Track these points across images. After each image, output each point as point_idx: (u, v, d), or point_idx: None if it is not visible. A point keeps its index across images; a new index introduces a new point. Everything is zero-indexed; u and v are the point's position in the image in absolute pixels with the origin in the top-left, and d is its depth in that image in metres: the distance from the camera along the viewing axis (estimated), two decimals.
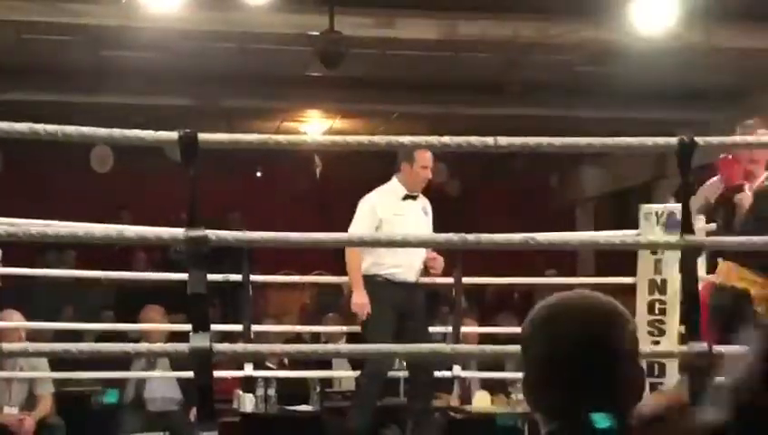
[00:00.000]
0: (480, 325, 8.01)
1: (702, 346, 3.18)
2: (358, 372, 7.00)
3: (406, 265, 5.55)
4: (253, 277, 5.82)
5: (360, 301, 5.46)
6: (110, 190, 11.06)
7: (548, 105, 9.81)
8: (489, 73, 9.23)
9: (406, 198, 5.65)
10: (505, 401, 7.04)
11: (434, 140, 3.51)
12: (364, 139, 3.38)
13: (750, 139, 3.45)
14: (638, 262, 5.56)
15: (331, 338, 7.66)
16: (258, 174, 13.28)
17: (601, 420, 1.54)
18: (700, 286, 4.13)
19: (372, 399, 5.74)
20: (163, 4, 7.18)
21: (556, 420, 1.58)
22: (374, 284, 5.53)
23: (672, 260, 5.21)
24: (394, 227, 5.49)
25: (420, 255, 5.59)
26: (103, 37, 8.01)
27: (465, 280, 6.06)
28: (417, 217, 5.63)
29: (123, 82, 8.92)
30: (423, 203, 5.74)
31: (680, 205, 3.62)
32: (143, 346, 3.49)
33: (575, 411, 1.55)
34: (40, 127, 3.27)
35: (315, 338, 8.43)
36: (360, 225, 5.53)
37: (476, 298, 10.05)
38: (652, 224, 5.53)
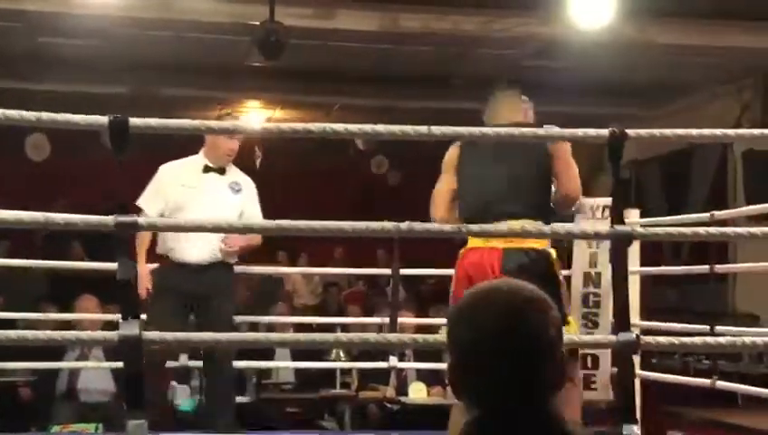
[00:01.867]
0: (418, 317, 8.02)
1: (630, 336, 3.21)
2: (297, 363, 7.01)
3: (197, 245, 5.07)
4: None
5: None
6: (47, 178, 10.92)
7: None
8: (432, 67, 9.26)
9: (207, 170, 5.23)
10: (441, 392, 7.06)
11: (368, 128, 3.50)
12: (299, 126, 3.36)
13: (680, 131, 3.49)
14: (574, 254, 5.63)
15: (276, 328, 7.58)
16: None
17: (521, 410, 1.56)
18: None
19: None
20: None
21: (478, 407, 1.58)
22: (162, 264, 5.16)
23: (607, 253, 5.29)
24: (183, 200, 5.09)
25: (216, 234, 5.04)
26: (41, 24, 7.89)
27: (404, 271, 6.00)
28: (217, 193, 5.18)
29: (61, 70, 8.81)
30: (234, 179, 5.28)
31: (611, 197, 3.65)
32: (71, 334, 3.44)
33: (496, 399, 1.56)
34: None
35: (254, 328, 8.39)
36: (145, 195, 5.13)
37: (414, 290, 10.08)
38: (587, 217, 5.59)
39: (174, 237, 5.03)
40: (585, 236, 4.27)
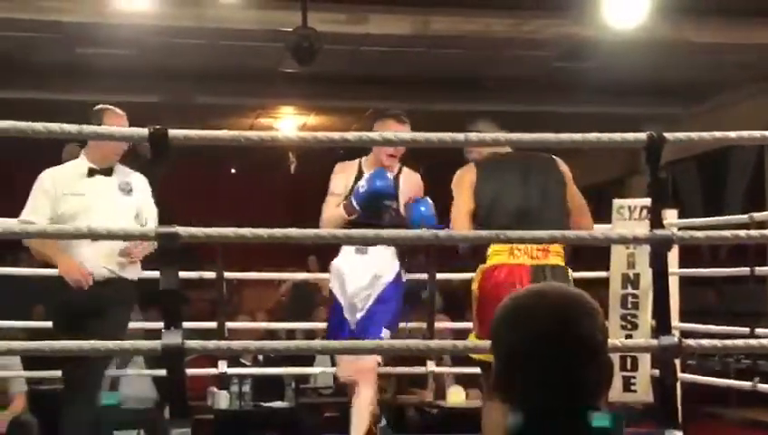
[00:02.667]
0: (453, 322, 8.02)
1: (672, 340, 3.20)
2: (334, 369, 7.02)
3: (91, 258, 4.52)
4: (227, 274, 5.80)
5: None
6: None
7: (523, 101, 9.84)
8: (463, 69, 9.25)
9: (92, 173, 4.65)
10: (480, 395, 7.05)
11: (404, 135, 3.51)
12: (335, 135, 3.39)
13: (718, 134, 3.47)
14: (612, 256, 5.61)
15: (316, 334, 7.58)
16: (232, 171, 13.28)
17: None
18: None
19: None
20: (136, 0, 7.17)
21: (523, 411, 1.59)
22: (57, 278, 4.58)
23: (645, 255, 5.27)
24: (72, 210, 4.53)
25: (115, 244, 4.52)
26: (77, 35, 7.96)
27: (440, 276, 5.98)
28: (108, 197, 4.62)
29: (97, 80, 8.88)
30: (123, 179, 4.71)
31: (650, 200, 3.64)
32: (115, 343, 3.47)
33: (542, 402, 1.57)
34: (8, 124, 3.26)
35: (290, 335, 8.43)
36: (30, 207, 4.57)
37: (447, 295, 10.06)
38: (625, 218, 5.58)
39: (65, 249, 4.54)
40: (624, 240, 4.26)
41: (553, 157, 4.36)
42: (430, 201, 4.75)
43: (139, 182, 4.71)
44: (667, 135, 3.35)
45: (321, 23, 7.43)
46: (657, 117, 9.98)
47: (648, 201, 5.24)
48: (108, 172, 4.65)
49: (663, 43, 7.98)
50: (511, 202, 4.21)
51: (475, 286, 4.24)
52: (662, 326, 3.25)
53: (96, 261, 4.52)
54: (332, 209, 4.70)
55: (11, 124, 3.11)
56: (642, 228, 4.72)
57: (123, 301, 4.67)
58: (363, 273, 4.69)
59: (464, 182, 4.34)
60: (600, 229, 5.05)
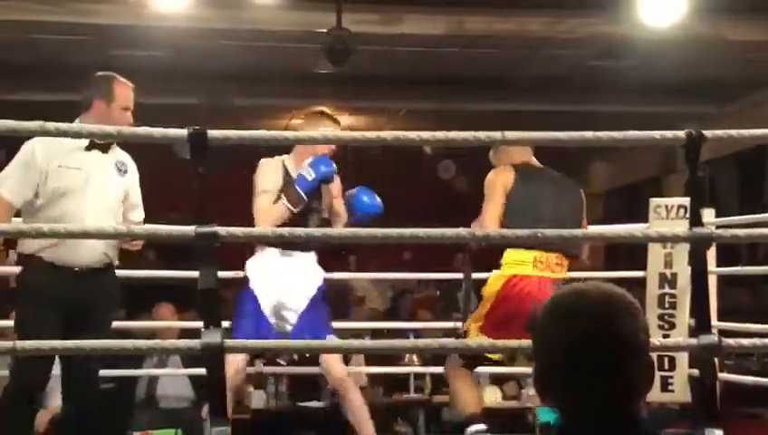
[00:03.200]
0: None
1: (712, 339, 3.19)
2: (370, 369, 7.04)
3: (84, 244, 4.12)
4: None
5: None
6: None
7: (557, 101, 9.81)
8: (496, 69, 9.24)
9: (91, 147, 4.23)
10: (516, 395, 7.05)
11: (440, 134, 3.51)
12: (371, 134, 3.40)
13: (758, 132, 3.45)
14: (649, 255, 5.58)
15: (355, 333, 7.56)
16: None
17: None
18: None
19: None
20: (171, 2, 7.21)
21: (565, 410, 1.59)
22: (33, 267, 4.14)
23: (682, 254, 5.24)
24: (65, 185, 4.14)
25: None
26: (112, 36, 8.03)
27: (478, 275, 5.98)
28: (104, 175, 4.27)
29: (133, 82, 8.94)
30: (119, 158, 4.38)
31: (689, 198, 3.63)
32: (155, 343, 3.52)
33: (584, 402, 1.57)
34: (51, 125, 3.30)
35: None
36: (9, 181, 4.16)
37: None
38: (662, 217, 5.55)
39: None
40: (663, 239, 4.24)
41: (577, 184, 4.63)
42: (371, 191, 4.80)
43: (132, 164, 4.45)
44: (707, 133, 3.34)
45: (355, 23, 7.45)
46: (691, 116, 9.91)
47: (685, 200, 5.23)
48: (106, 148, 4.29)
49: (698, 41, 7.93)
50: (544, 211, 4.30)
51: (492, 291, 4.33)
52: (701, 325, 3.24)
53: (96, 246, 4.16)
54: (271, 206, 4.64)
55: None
56: (680, 227, 4.69)
57: (114, 293, 4.38)
58: (292, 276, 4.67)
59: (499, 183, 4.39)
60: (636, 228, 5.03)
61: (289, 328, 4.62)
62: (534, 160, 4.57)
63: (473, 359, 4.39)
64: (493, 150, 4.64)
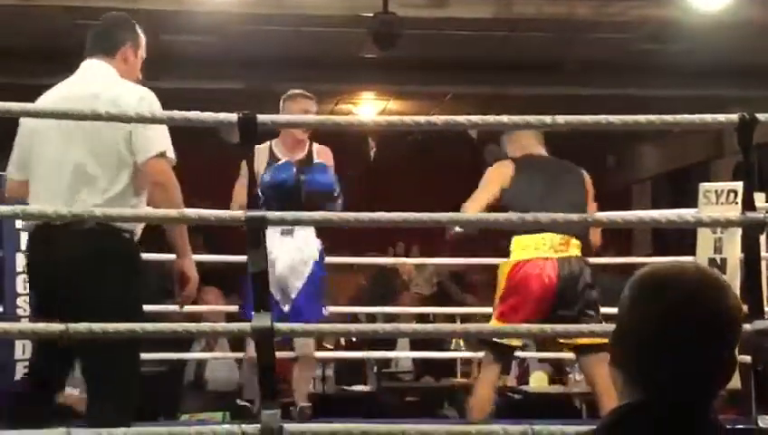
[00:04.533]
0: None
1: (765, 324, 3.15)
2: (415, 353, 7.05)
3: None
4: None
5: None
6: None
7: (605, 84, 9.72)
8: (545, 52, 9.17)
9: None
10: (563, 381, 7.03)
11: (491, 118, 3.50)
12: (422, 119, 3.39)
13: None
14: (698, 241, 5.52)
15: (401, 318, 7.55)
16: None
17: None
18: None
19: None
20: None
21: (645, 388, 1.54)
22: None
23: (732, 239, 5.19)
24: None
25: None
26: (159, 22, 8.07)
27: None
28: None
29: (180, 67, 9.00)
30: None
31: (740, 182, 3.59)
32: (206, 326, 3.54)
33: (676, 385, 1.53)
34: (102, 111, 3.32)
35: (371, 319, 8.48)
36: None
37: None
38: (712, 202, 5.49)
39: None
40: (716, 223, 4.19)
41: (582, 170, 4.74)
42: (329, 169, 5.03)
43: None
44: (759, 116, 3.30)
45: (401, 7, 7.44)
46: (740, 99, 9.76)
47: (734, 185, 5.17)
48: None
49: (748, 24, 7.83)
50: (534, 199, 4.41)
51: (502, 278, 4.51)
52: (755, 310, 3.20)
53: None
54: (237, 192, 4.90)
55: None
56: (730, 212, 4.64)
57: None
58: (292, 254, 4.94)
59: (496, 177, 4.59)
60: (687, 213, 4.99)
61: (287, 308, 4.92)
62: (540, 150, 4.74)
63: (501, 351, 4.52)
64: (505, 136, 4.78)
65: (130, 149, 3.44)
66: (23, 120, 3.62)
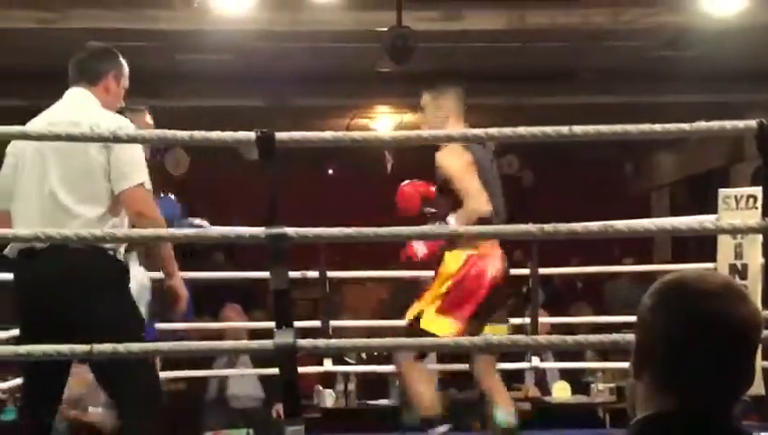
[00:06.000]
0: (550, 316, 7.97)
1: None
2: (440, 366, 7.04)
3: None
4: (330, 273, 5.85)
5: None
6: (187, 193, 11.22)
7: (620, 92, 9.73)
8: (559, 62, 9.18)
9: None
10: (585, 391, 7.01)
11: (508, 130, 3.50)
12: (440, 133, 3.39)
13: None
14: (719, 247, 5.51)
15: None
16: (329, 172, 13.40)
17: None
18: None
19: None
20: (234, 6, 7.30)
21: (667, 399, 1.54)
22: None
23: (753, 244, 5.17)
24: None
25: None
26: (176, 41, 8.13)
27: (544, 271, 5.94)
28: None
29: (197, 86, 9.05)
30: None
31: (759, 188, 3.57)
32: (227, 344, 3.56)
33: (695, 390, 1.53)
34: (122, 132, 3.35)
35: (392, 333, 8.48)
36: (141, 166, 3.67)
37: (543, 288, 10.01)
38: (731, 208, 5.48)
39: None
40: (735, 230, 4.18)
41: None
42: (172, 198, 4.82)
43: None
44: None
45: (415, 21, 7.46)
46: (758, 105, 9.75)
47: (754, 190, 5.15)
48: None
49: (763, 28, 7.81)
50: (494, 191, 4.47)
51: (451, 270, 4.36)
52: None
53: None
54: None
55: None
56: (750, 218, 4.63)
57: None
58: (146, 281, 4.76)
59: (466, 163, 4.43)
60: (707, 220, 4.98)
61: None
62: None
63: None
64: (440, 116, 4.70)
65: (108, 178, 3.52)
66: (8, 150, 3.69)
